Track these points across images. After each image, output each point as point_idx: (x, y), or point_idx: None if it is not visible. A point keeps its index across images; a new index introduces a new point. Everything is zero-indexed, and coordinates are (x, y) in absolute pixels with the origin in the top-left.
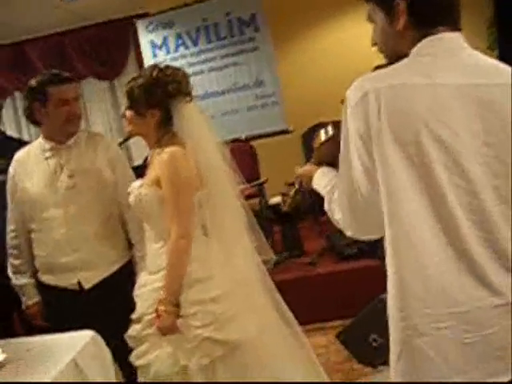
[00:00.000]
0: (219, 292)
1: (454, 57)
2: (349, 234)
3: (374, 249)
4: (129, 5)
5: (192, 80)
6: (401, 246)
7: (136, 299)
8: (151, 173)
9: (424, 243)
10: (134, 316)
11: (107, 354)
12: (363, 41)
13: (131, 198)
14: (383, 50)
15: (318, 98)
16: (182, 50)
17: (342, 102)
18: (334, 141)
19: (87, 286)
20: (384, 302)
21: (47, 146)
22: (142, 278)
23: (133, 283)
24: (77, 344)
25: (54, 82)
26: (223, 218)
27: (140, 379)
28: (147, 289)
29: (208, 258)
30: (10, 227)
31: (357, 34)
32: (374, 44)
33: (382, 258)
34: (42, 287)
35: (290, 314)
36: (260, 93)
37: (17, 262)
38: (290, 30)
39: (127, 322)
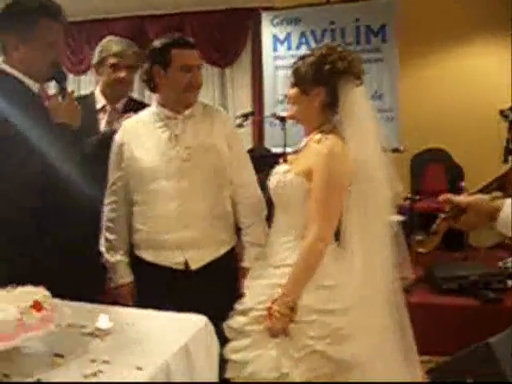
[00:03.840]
0: (341, 305)
1: None
2: None
3: (476, 289)
4: None
5: None
6: None
7: (246, 290)
8: (303, 162)
9: None
10: (239, 307)
11: (216, 343)
12: (491, 73)
13: (273, 182)
14: None
15: (435, 122)
16: (304, 48)
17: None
18: None
19: (194, 266)
20: (491, 349)
21: (162, 115)
22: (258, 269)
23: (235, 270)
24: (189, 328)
25: (179, 44)
26: (368, 225)
27: (229, 374)
28: (262, 282)
29: (337, 266)
30: (109, 199)
31: (485, 65)
32: None
33: (484, 300)
34: (139, 264)
35: (412, 341)
36: (377, 106)
37: (112, 236)
38: (418, 48)
39: (226, 311)
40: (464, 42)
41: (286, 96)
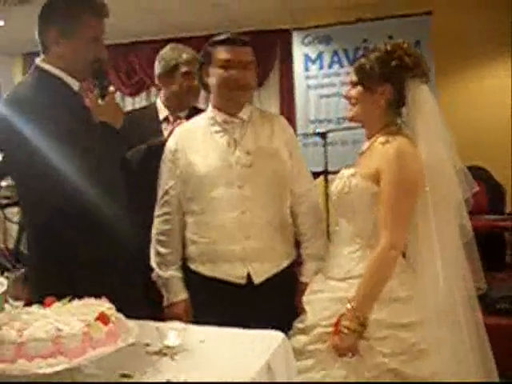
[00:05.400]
0: (416, 318)
1: None
2: None
3: None
4: (285, 16)
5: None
6: None
7: (306, 306)
8: (368, 164)
9: None
10: (300, 325)
11: (293, 360)
12: None
13: (337, 186)
14: None
15: (474, 139)
16: (336, 67)
17: None
18: None
19: (258, 280)
20: None
21: (218, 118)
22: (318, 283)
23: (296, 285)
24: (269, 345)
25: (222, 41)
26: (441, 231)
27: None
28: (326, 296)
29: (409, 276)
30: (161, 210)
31: None
32: None
33: None
34: (194, 279)
35: (492, 361)
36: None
37: (165, 250)
38: (454, 64)
39: (287, 328)
40: (501, 56)
41: (347, 99)
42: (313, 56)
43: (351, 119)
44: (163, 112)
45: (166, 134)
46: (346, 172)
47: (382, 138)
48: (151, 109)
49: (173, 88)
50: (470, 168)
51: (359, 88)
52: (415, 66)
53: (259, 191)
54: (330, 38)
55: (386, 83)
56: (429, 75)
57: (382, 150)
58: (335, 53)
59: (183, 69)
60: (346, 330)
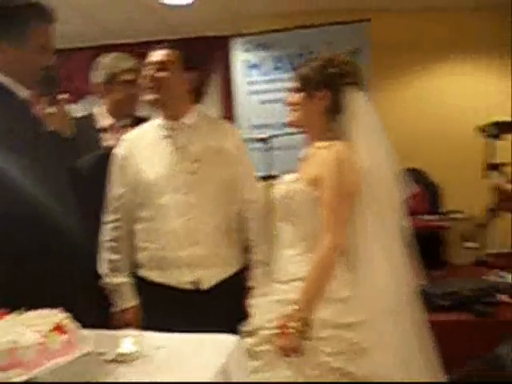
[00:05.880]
0: (358, 318)
1: None
2: None
3: (469, 304)
4: (225, 23)
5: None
6: None
7: (252, 309)
8: (309, 169)
9: None
10: (246, 328)
11: (246, 361)
12: (463, 93)
13: (278, 193)
14: None
15: (411, 143)
16: (278, 73)
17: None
18: None
19: (205, 285)
20: (500, 359)
21: (164, 124)
22: (264, 286)
23: (244, 290)
24: (224, 348)
25: None
26: (376, 233)
27: None
28: (271, 299)
29: (351, 277)
30: (109, 217)
31: (459, 85)
32: None
33: (480, 314)
34: (143, 286)
35: (436, 359)
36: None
37: (115, 257)
38: (392, 69)
39: (237, 332)
40: (438, 62)
41: (288, 103)
42: (254, 62)
43: (292, 124)
44: (107, 120)
45: (111, 142)
46: (288, 178)
47: (321, 144)
48: (90, 119)
49: (116, 96)
50: (408, 170)
51: (300, 94)
52: (352, 74)
53: (205, 198)
54: (270, 45)
55: (325, 89)
56: (365, 83)
57: (322, 155)
58: (276, 59)
59: (125, 77)
60: (291, 331)
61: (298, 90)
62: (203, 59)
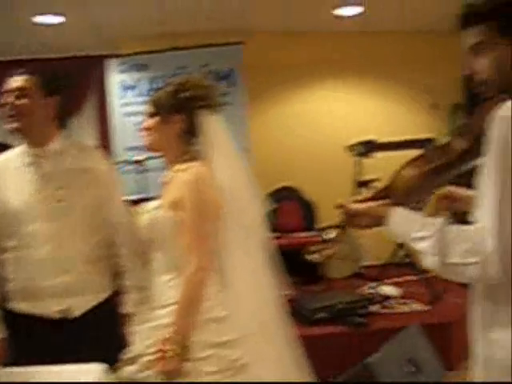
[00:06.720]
0: (236, 335)
1: None
2: (496, 276)
3: (343, 316)
4: (100, 43)
5: None
6: None
7: (133, 336)
8: (170, 193)
9: None
10: (127, 355)
11: None
12: (335, 113)
13: (143, 221)
14: (494, 81)
15: (285, 162)
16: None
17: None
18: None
19: (74, 314)
20: (369, 368)
21: (29, 151)
22: (143, 314)
23: (117, 317)
24: (89, 378)
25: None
26: (241, 250)
27: None
28: (149, 325)
29: (224, 296)
30: None
31: (331, 105)
32: (471, 74)
33: (354, 325)
34: (12, 318)
35: (307, 371)
36: (235, 147)
37: None
38: (266, 90)
39: (112, 360)
40: (311, 82)
41: (143, 128)
42: (129, 83)
43: (149, 148)
44: None
45: None
46: (150, 205)
47: (180, 166)
48: None
49: None
50: (283, 188)
51: (155, 119)
52: (205, 97)
53: (73, 225)
54: (146, 66)
55: (179, 113)
56: (220, 105)
57: (181, 178)
58: (152, 80)
59: None
60: (169, 354)
61: (152, 115)
62: (77, 79)
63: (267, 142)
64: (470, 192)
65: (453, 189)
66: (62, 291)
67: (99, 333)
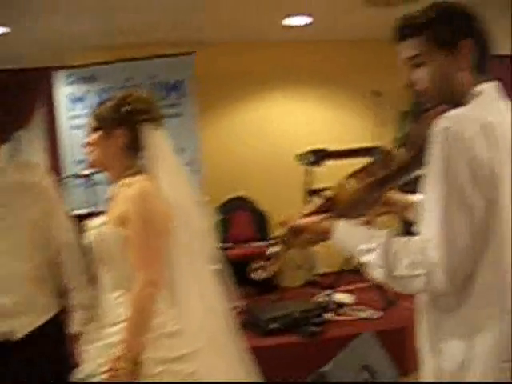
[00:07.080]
0: (188, 350)
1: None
2: (442, 287)
3: (298, 325)
4: (47, 55)
5: None
6: None
7: (83, 356)
8: (115, 209)
9: None
10: (79, 375)
11: None
12: (286, 122)
13: (89, 238)
14: (434, 92)
15: (238, 172)
16: None
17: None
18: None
19: (19, 335)
20: (325, 377)
21: None
22: (92, 333)
23: (64, 337)
24: None
25: None
26: (189, 264)
27: None
28: (100, 344)
29: (175, 311)
30: None
31: (281, 114)
32: (411, 85)
33: (309, 335)
34: None
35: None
36: (179, 160)
37: None
38: (216, 100)
39: (58, 380)
40: (264, 92)
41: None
42: (77, 95)
43: (92, 165)
44: None
45: None
46: (95, 221)
47: (124, 181)
48: None
49: None
50: (235, 198)
51: (97, 134)
52: (146, 111)
53: (14, 244)
54: (94, 78)
55: (121, 127)
56: (161, 122)
57: (126, 192)
58: (101, 92)
59: None
60: (122, 372)
61: (95, 129)
62: (24, 92)
63: (219, 153)
64: (409, 197)
65: (390, 194)
66: (4, 312)
67: (44, 355)
